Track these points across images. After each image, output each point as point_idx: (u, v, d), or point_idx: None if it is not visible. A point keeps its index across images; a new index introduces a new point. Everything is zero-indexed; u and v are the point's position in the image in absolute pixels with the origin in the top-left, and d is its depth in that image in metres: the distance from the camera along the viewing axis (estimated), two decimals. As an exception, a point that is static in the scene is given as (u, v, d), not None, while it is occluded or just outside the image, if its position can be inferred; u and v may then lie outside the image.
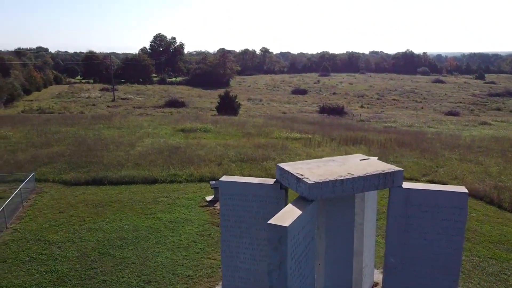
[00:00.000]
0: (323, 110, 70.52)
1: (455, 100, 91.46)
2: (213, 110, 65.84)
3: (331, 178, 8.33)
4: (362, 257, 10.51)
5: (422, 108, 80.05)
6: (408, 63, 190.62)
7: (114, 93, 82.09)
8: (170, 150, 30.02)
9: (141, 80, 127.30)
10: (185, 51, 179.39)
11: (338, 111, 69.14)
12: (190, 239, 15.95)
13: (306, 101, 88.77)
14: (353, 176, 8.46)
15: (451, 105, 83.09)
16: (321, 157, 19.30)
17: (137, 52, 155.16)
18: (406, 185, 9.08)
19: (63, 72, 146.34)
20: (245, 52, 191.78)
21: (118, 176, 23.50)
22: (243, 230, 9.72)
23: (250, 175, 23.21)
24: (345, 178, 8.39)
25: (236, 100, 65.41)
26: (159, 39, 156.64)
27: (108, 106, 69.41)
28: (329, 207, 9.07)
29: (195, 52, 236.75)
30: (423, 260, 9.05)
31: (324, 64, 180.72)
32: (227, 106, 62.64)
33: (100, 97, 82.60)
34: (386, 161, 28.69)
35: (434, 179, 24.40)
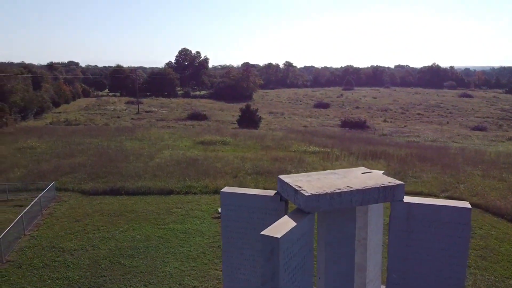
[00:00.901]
0: (345, 124, 69.90)
1: (482, 114, 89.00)
2: (234, 123, 66.36)
3: (329, 190, 8.30)
4: (365, 272, 10.33)
5: (447, 123, 78.23)
6: (434, 77, 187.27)
7: (138, 106, 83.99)
8: (187, 162, 30.42)
9: (166, 93, 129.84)
10: (210, 65, 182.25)
11: (360, 125, 68.38)
12: (200, 250, 16.05)
13: (328, 115, 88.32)
14: (352, 189, 8.40)
15: (478, 119, 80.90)
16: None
17: (163, 66, 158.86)
18: (407, 199, 8.94)
19: (91, 85, 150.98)
20: (269, 66, 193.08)
21: (135, 187, 23.97)
22: (244, 242, 9.75)
23: (264, 188, 23.23)
24: (343, 190, 8.34)
25: (257, 114, 65.75)
26: (184, 54, 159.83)
27: (132, 119, 71.00)
28: (329, 220, 9.02)
29: (220, 66, 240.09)
30: (426, 276, 8.83)
31: (348, 78, 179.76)
32: (248, 119, 63.01)
33: (125, 109, 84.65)
34: (405, 176, 28.29)
35: (454, 195, 23.75)
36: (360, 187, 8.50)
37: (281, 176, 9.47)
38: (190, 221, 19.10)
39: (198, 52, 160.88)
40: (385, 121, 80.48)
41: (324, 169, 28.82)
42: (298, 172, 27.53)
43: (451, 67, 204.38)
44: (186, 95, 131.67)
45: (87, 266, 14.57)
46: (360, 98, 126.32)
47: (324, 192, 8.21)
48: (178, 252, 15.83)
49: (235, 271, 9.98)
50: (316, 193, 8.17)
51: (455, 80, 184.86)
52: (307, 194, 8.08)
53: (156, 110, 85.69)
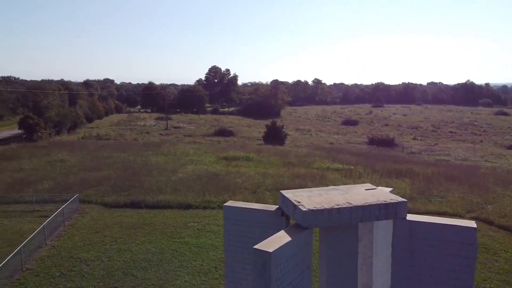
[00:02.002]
0: (372, 141, 68.79)
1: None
2: (260, 140, 66.63)
3: (327, 206, 8.23)
4: (371, 292, 10.06)
5: (481, 141, 75.56)
6: (468, 94, 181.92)
7: (167, 122, 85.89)
8: (208, 177, 30.74)
9: (195, 110, 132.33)
10: (239, 82, 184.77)
11: (388, 143, 67.11)
12: (212, 264, 16.10)
13: (356, 132, 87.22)
14: (351, 205, 8.30)
15: (514, 138, 77.67)
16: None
17: (193, 83, 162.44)
18: (410, 217, 8.72)
19: (124, 102, 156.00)
20: (297, 83, 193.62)
21: (155, 200, 24.42)
22: (246, 256, 9.75)
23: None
24: (342, 206, 8.25)
25: (283, 130, 65.83)
26: (214, 71, 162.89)
27: (160, 134, 72.58)
28: (330, 236, 8.91)
29: (249, 84, 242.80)
30: (430, 299, 8.51)
31: (378, 95, 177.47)
32: (274, 135, 63.14)
33: (154, 125, 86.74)
34: (430, 195, 27.45)
35: (480, 216, 22.83)
36: (360, 204, 8.39)
37: (283, 191, 9.47)
38: (206, 235, 19.22)
39: (227, 70, 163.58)
40: (414, 139, 78.64)
41: (345, 187, 28.37)
42: (318, 189, 27.23)
43: (487, 84, 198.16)
44: (214, 111, 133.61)
45: (101, 277, 14.88)
46: (390, 116, 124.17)
47: (322, 208, 8.15)
48: (190, 266, 15.94)
49: (237, 285, 9.96)
50: (314, 208, 8.12)
51: (491, 97, 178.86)
52: (304, 209, 8.05)
53: (184, 126, 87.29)
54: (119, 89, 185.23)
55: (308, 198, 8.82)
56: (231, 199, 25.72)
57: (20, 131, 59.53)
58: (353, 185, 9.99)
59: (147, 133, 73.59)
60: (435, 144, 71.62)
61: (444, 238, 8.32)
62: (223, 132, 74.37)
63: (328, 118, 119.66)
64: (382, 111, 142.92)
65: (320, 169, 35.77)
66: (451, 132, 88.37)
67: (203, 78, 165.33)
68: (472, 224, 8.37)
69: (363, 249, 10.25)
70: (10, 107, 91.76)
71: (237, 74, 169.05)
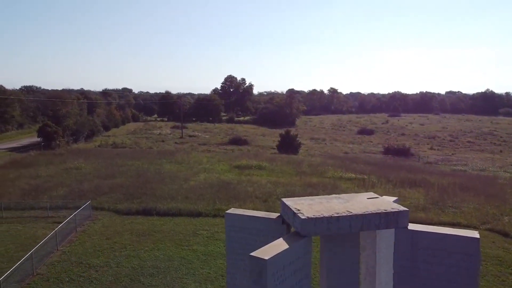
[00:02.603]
0: (388, 151, 68.01)
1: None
2: (274, 149, 66.63)
3: (326, 214, 8.21)
4: (374, 303, 9.92)
5: (500, 151, 73.91)
6: (488, 103, 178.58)
7: (182, 131, 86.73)
8: (220, 185, 30.87)
9: (210, 118, 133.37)
10: (255, 91, 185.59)
11: (403, 152, 66.22)
12: (219, 272, 16.12)
13: (371, 142, 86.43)
14: (351, 214, 8.26)
15: (535, 149, 75.74)
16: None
17: (209, 93, 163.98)
18: (412, 226, 8.62)
19: (141, 110, 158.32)
20: (313, 92, 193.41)
21: (166, 208, 24.63)
22: (247, 264, 9.76)
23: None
24: (341, 215, 8.22)
25: (297, 139, 65.73)
26: (229, 80, 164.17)
27: (175, 143, 73.31)
28: (330, 245, 8.86)
29: (265, 93, 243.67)
30: (433, 310, 8.36)
31: (394, 104, 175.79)
32: (288, 144, 63.07)
33: (170, 134, 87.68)
34: (444, 206, 26.96)
35: (495, 227, 22.31)
36: (360, 212, 8.34)
37: (284, 199, 9.48)
38: (214, 243, 19.28)
39: (243, 79, 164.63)
40: (431, 148, 77.46)
41: (357, 196, 28.10)
42: (329, 199, 27.05)
43: (507, 93, 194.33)
44: (230, 120, 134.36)
45: (109, 283, 15.06)
46: (407, 125, 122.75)
47: (321, 216, 8.13)
48: (197, 274, 16.00)
49: (238, 294, 9.96)
50: (313, 216, 8.10)
51: (511, 106, 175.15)
52: (303, 217, 8.04)
53: (199, 134, 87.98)
54: (136, 98, 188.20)
55: (309, 206, 8.81)
56: (241, 208, 25.77)
57: (39, 139, 60.98)
58: (356, 194, 9.92)
59: (162, 141, 74.41)
60: (452, 154, 70.40)
61: (446, 248, 8.18)
62: (237, 141, 74.67)
63: (344, 127, 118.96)
64: (398, 120, 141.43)
65: (332, 179, 35.54)
66: (469, 142, 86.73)
67: (219, 87, 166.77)
68: (475, 234, 8.20)
69: (366, 259, 10.15)
70: (30, 116, 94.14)
71: (252, 83, 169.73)
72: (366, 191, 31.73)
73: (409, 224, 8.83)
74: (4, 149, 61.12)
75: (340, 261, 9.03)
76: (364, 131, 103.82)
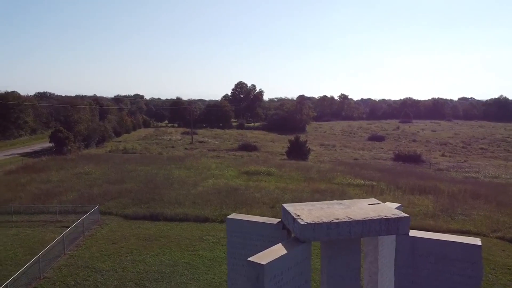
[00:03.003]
0: (398, 157, 67.39)
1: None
2: (283, 155, 66.53)
3: (326, 220, 8.18)
4: (376, 310, 9.82)
5: (514, 158, 72.69)
6: (501, 110, 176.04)
7: (192, 136, 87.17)
8: (228, 191, 30.90)
9: (221, 124, 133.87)
10: (266, 98, 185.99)
11: (414, 159, 65.54)
12: (223, 278, 16.09)
13: (382, 148, 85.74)
14: (350, 220, 8.22)
15: (550, 156, 74.33)
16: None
17: (220, 99, 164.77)
18: (413, 233, 8.54)
19: (153, 116, 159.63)
20: (324, 98, 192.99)
21: (173, 213, 24.74)
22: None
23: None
24: (341, 221, 8.18)
25: (307, 145, 65.55)
26: (240, 87, 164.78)
27: (185, 148, 73.66)
28: (331, 251, 8.81)
29: (275, 99, 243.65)
30: (434, 318, 8.25)
31: (406, 110, 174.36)
32: (297, 150, 62.93)
33: (180, 139, 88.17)
34: (453, 213, 26.60)
35: (506, 235, 21.92)
36: (360, 218, 8.29)
37: (284, 204, 9.48)
38: (220, 249, 19.27)
39: (253, 85, 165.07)
40: (443, 155, 76.53)
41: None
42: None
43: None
44: (240, 126, 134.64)
45: (114, 287, 15.15)
46: (418, 131, 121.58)
47: (321, 221, 8.10)
48: (202, 279, 16.00)
49: (239, 299, 9.95)
50: (312, 222, 8.09)
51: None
52: (302, 223, 8.04)
53: (209, 140, 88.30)
54: (148, 104, 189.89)
55: (309, 212, 8.79)
56: (248, 213, 25.74)
57: (51, 144, 61.85)
58: (357, 200, 9.88)
59: (172, 147, 74.83)
60: (464, 161, 69.45)
61: (447, 255, 8.08)
62: (246, 147, 74.74)
63: (354, 134, 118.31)
64: (410, 126, 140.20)
65: (341, 185, 35.33)
66: (482, 148, 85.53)
67: (229, 93, 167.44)
68: (477, 241, 8.09)
69: (369, 265, 10.06)
70: (43, 121, 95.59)
71: (263, 89, 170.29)
72: (375, 198, 31.51)
73: (411, 230, 8.75)
74: (17, 154, 62.10)
75: (341, 267, 8.97)
76: (374, 138, 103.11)
